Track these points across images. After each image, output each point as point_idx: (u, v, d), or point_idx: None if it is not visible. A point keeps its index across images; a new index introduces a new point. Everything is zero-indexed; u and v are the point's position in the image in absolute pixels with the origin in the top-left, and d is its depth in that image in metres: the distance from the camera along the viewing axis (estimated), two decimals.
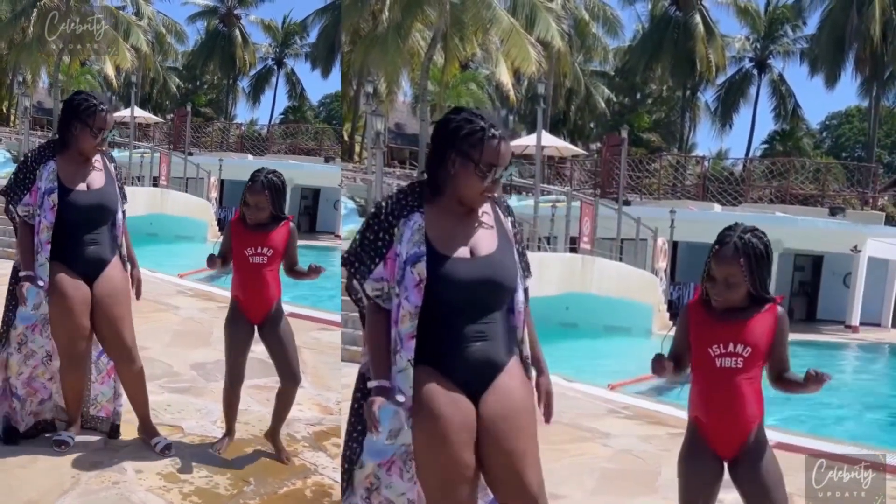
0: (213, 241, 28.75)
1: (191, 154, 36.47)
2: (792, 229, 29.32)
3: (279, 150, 47.81)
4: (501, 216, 4.30)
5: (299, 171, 36.34)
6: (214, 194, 33.09)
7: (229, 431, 6.74)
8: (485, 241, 4.15)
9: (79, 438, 6.56)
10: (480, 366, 4.08)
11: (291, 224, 6.65)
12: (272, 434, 6.69)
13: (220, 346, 9.82)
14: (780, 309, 4.54)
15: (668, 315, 25.85)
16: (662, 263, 26.71)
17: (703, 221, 30.19)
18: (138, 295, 6.82)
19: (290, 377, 6.52)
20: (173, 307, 12.31)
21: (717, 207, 34.74)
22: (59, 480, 5.90)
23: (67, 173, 6.32)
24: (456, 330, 4.05)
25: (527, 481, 4.08)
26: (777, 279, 29.22)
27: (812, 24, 54.39)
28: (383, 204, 4.16)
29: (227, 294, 13.86)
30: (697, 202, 36.57)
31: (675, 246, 29.23)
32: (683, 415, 9.66)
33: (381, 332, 4.12)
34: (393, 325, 4.09)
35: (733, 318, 4.50)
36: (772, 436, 4.59)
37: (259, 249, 6.49)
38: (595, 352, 19.62)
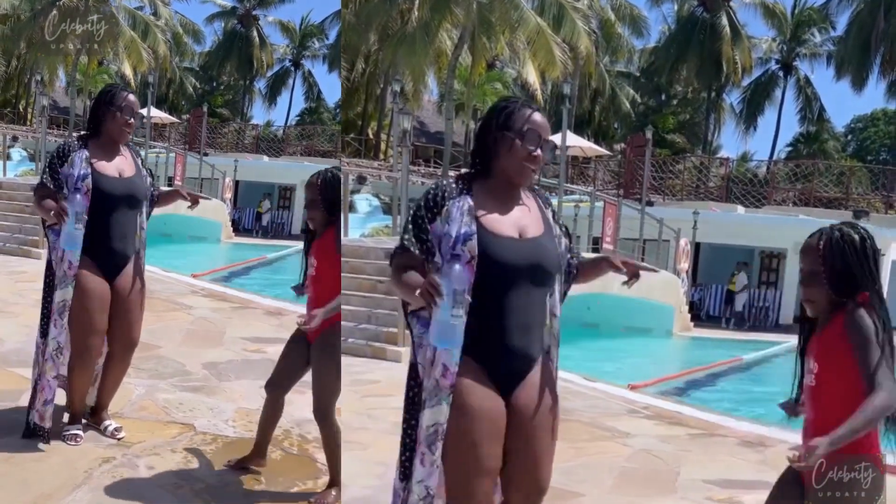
0: (227, 241, 29.01)
1: (206, 155, 36.56)
2: None
3: (295, 152, 48.00)
4: (544, 207, 4.38)
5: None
6: (229, 195, 33.21)
7: (255, 451, 6.27)
8: (532, 224, 4.24)
9: (92, 433, 6.59)
10: (518, 361, 4.14)
11: (334, 233, 5.98)
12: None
13: (232, 346, 9.89)
14: (851, 309, 3.90)
15: (689, 316, 25.79)
16: (684, 264, 26.63)
17: (726, 223, 30.22)
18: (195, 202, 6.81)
19: (315, 411, 5.83)
20: (186, 307, 12.35)
21: (741, 209, 34.66)
22: (72, 475, 5.91)
23: (99, 161, 6.42)
24: (500, 320, 4.10)
25: (540, 476, 4.22)
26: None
27: (839, 27, 54.29)
28: (433, 187, 4.24)
29: (240, 294, 13.97)
30: (720, 204, 36.49)
31: (697, 247, 29.15)
32: (703, 416, 9.71)
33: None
34: None
35: (816, 331, 4.06)
36: None
37: (310, 260, 6.00)
38: (616, 352, 19.58)
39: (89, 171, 6.32)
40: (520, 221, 4.20)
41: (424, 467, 4.05)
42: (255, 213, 38.06)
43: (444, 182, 4.26)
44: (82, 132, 6.74)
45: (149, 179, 6.77)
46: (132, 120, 6.50)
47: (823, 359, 3.96)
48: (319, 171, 6.03)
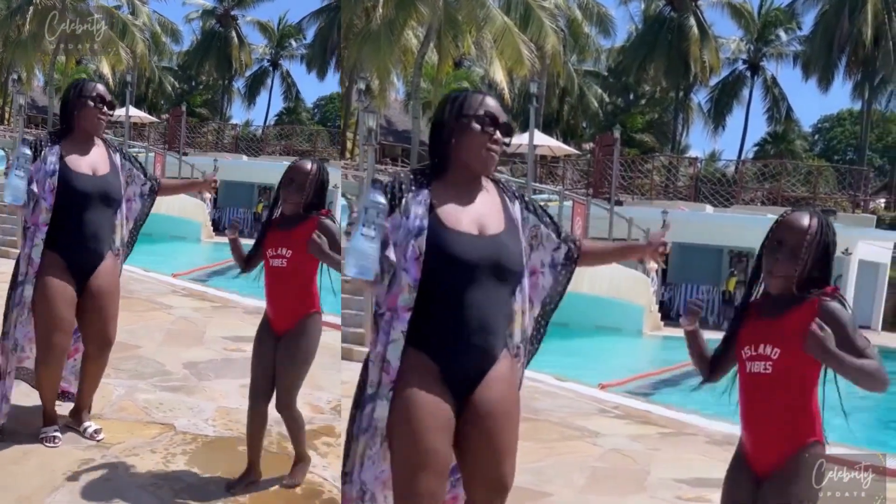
0: (207, 241, 29.00)
1: (185, 154, 36.63)
2: None
3: (274, 152, 48.10)
4: (508, 202, 4.30)
5: None
6: (208, 195, 33.08)
7: (250, 467, 6.06)
8: (493, 220, 4.17)
9: (70, 434, 6.58)
10: (477, 358, 4.09)
11: (322, 219, 5.78)
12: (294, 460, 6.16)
13: (212, 345, 9.87)
14: (824, 303, 3.86)
15: (659, 315, 25.94)
16: (654, 264, 26.74)
17: (695, 222, 30.39)
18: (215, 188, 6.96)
19: (281, 405, 5.82)
20: (166, 306, 12.30)
21: (709, 209, 34.87)
22: (51, 477, 5.91)
23: (73, 157, 6.34)
24: (458, 315, 4.03)
25: (502, 472, 4.15)
26: None
27: (805, 27, 54.71)
28: (390, 179, 4.15)
29: (220, 294, 13.92)
30: (689, 203, 36.67)
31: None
32: (672, 414, 9.77)
33: None
34: (391, 296, 4.05)
35: (769, 315, 3.99)
36: None
37: (278, 251, 5.78)
38: (586, 351, 19.66)
39: (57, 167, 6.24)
40: (481, 217, 4.13)
41: (361, 463, 4.08)
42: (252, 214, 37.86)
43: (402, 174, 4.18)
44: (55, 128, 6.65)
45: (140, 175, 6.76)
46: (105, 108, 6.42)
47: (787, 345, 3.87)
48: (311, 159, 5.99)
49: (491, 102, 4.17)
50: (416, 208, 4.02)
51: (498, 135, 4.14)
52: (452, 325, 4.04)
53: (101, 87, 6.48)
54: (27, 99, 33.70)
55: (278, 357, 5.81)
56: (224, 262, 22.48)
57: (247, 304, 12.79)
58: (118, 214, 6.58)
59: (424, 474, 3.92)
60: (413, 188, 4.08)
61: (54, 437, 6.44)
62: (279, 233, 5.82)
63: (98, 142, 6.56)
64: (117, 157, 6.64)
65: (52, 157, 6.28)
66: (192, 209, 29.49)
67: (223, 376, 8.52)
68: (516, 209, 4.31)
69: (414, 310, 4.00)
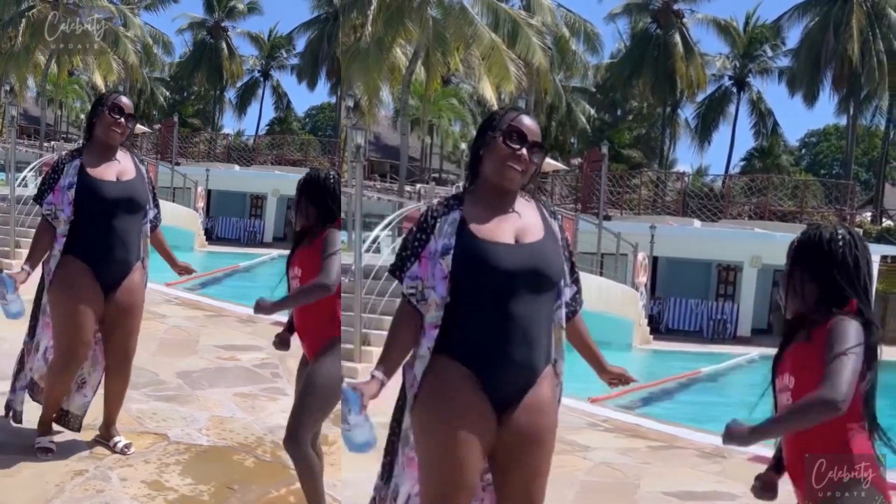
0: (201, 250, 28.95)
1: (178, 164, 36.68)
2: (771, 245, 29.50)
3: (265, 161, 48.08)
4: (548, 216, 4.31)
5: (285, 182, 36.64)
6: (201, 204, 33.30)
7: None
8: (530, 229, 4.16)
9: (63, 445, 6.58)
10: (517, 372, 4.05)
11: (329, 232, 5.36)
12: None
13: (206, 354, 9.87)
14: (835, 321, 3.60)
15: (648, 329, 25.98)
16: (643, 278, 26.84)
17: (683, 237, 30.51)
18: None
19: (286, 437, 5.27)
20: (160, 315, 12.28)
21: (697, 223, 34.97)
22: (44, 489, 5.92)
23: (94, 167, 6.35)
24: (499, 328, 4.01)
25: (532, 495, 4.14)
26: (756, 294, 29.44)
27: (791, 42, 54.87)
28: (426, 208, 4.19)
29: (213, 303, 13.88)
30: (677, 218, 36.79)
31: (655, 261, 29.37)
32: (663, 428, 9.81)
33: (403, 328, 4.09)
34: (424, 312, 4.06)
35: (792, 342, 3.81)
36: None
37: (293, 270, 5.44)
38: (576, 365, 19.63)
39: (75, 179, 6.25)
40: (516, 226, 4.12)
41: (402, 470, 4.10)
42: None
43: (435, 202, 4.20)
44: (77, 146, 6.71)
45: (152, 202, 6.75)
46: (121, 119, 6.37)
47: (801, 372, 3.69)
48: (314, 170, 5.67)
49: (526, 121, 4.20)
50: (446, 228, 4.05)
51: (523, 151, 4.13)
52: (493, 338, 4.01)
53: (123, 99, 6.48)
54: (20, 110, 33.60)
55: (300, 381, 5.37)
56: (216, 270, 22.49)
57: (240, 312, 12.81)
58: (146, 223, 6.59)
59: (459, 491, 3.94)
60: (444, 211, 4.10)
61: (48, 448, 6.44)
62: (295, 252, 5.47)
63: (123, 151, 6.57)
64: (143, 168, 6.68)
65: (70, 171, 6.31)
66: (185, 218, 29.52)
67: (216, 385, 8.54)
68: (556, 226, 4.30)
69: (453, 322, 4.01)
